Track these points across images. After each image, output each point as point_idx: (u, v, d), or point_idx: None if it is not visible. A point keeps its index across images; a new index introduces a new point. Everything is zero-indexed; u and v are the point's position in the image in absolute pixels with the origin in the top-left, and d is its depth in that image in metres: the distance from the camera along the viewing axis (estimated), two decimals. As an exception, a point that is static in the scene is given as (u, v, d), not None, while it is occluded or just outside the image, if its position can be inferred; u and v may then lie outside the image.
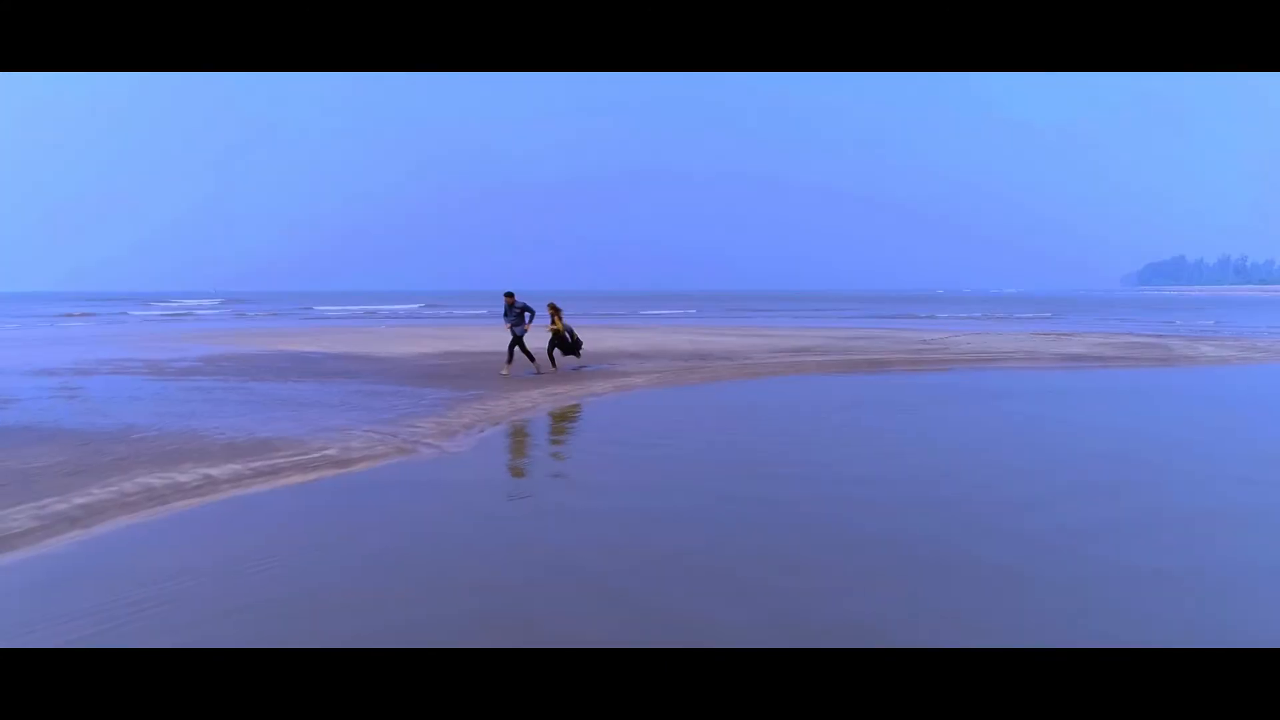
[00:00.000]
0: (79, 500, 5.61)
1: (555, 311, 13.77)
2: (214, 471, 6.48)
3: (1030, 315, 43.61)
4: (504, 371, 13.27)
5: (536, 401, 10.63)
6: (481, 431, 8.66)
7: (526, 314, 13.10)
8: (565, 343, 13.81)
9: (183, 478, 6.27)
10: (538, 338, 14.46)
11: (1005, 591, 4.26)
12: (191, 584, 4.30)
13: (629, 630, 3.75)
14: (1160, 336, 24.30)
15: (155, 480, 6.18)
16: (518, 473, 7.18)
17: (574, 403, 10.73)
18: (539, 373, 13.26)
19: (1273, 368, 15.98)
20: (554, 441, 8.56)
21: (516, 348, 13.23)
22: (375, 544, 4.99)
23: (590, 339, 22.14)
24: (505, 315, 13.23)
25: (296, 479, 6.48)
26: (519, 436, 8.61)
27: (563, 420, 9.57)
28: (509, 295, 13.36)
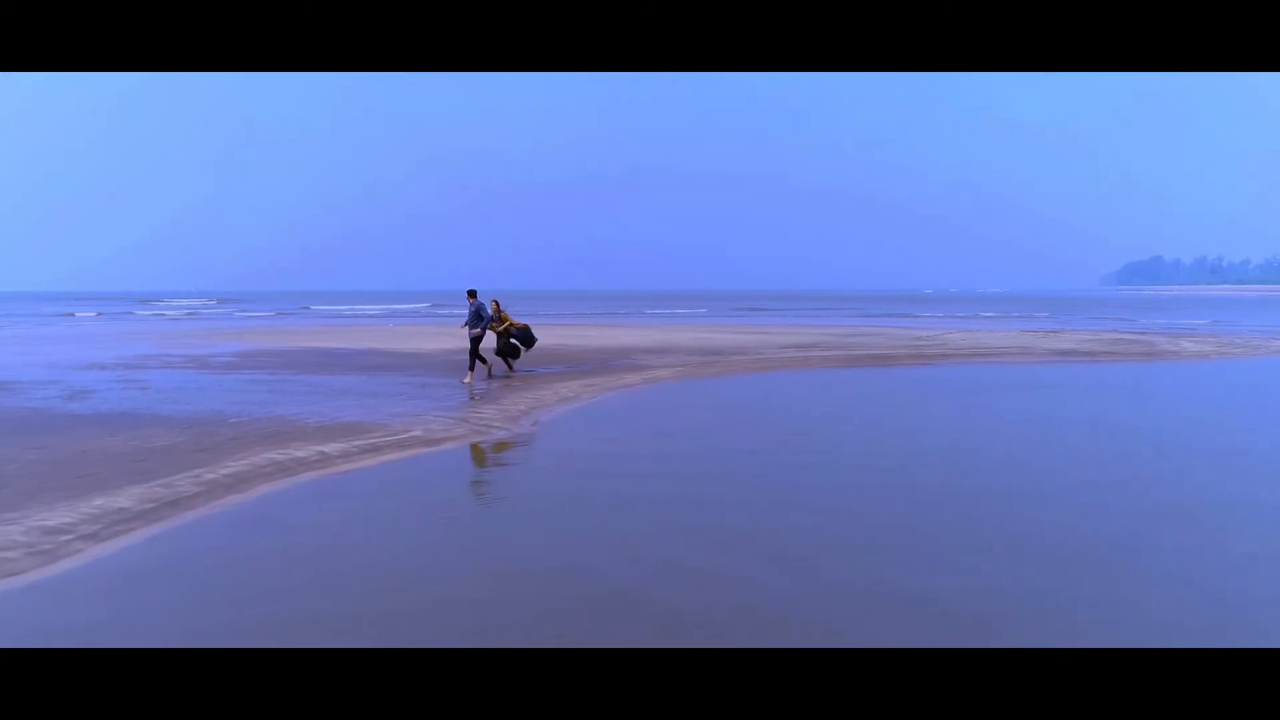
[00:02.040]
0: (224, 471, 6.42)
1: (498, 309, 13.05)
2: (325, 449, 7.29)
3: (1018, 314, 45.04)
4: (466, 379, 12.12)
5: (578, 391, 11.50)
6: (541, 417, 9.53)
7: (481, 317, 12.47)
8: (510, 342, 13.15)
9: (300, 453, 7.09)
10: (490, 339, 13.66)
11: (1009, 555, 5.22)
12: (369, 550, 5.14)
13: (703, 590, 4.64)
14: (1143, 333, 25.59)
15: (278, 455, 6.99)
16: (586, 454, 8.03)
17: (612, 393, 11.61)
18: (491, 376, 12.67)
19: (1248, 361, 17.19)
20: (608, 427, 9.38)
21: (473, 351, 12.45)
22: (494, 509, 5.87)
23: (602, 336, 23.07)
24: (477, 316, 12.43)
25: (396, 455, 7.32)
26: (576, 422, 9.46)
27: (608, 408, 10.42)
28: (471, 293, 12.72)
